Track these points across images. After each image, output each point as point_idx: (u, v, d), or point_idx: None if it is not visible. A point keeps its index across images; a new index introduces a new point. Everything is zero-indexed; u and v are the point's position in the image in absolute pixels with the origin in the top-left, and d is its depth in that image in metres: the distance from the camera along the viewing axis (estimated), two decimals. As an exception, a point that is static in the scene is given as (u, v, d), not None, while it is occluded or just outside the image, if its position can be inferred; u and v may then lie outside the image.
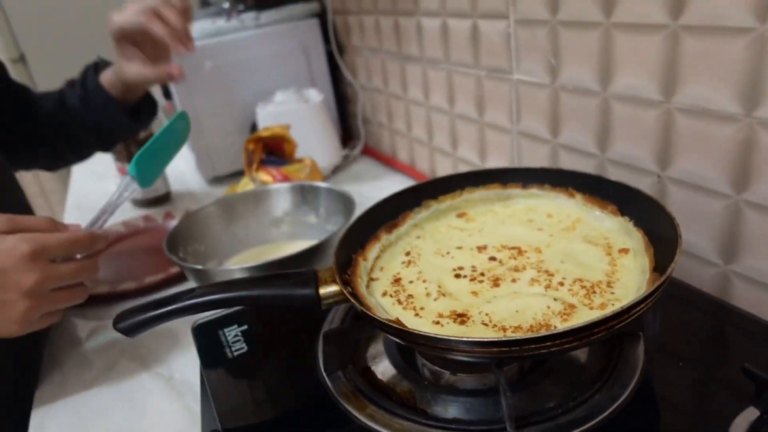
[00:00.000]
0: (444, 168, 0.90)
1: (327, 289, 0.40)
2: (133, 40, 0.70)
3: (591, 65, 0.56)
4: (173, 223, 0.92)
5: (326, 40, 1.13)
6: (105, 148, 0.86)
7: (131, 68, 0.71)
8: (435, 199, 0.54)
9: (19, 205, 0.69)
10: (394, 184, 0.99)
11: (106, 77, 0.75)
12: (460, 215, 0.54)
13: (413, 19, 0.84)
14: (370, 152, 1.13)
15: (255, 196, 0.75)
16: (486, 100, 0.75)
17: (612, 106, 0.56)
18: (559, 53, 0.60)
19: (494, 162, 0.77)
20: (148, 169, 0.57)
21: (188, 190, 1.11)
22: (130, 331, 0.40)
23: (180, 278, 0.74)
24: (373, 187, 0.98)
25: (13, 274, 0.45)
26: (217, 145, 1.08)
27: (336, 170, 1.07)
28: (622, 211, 0.46)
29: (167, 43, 0.66)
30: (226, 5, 1.17)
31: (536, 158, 0.69)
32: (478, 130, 0.78)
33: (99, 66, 0.78)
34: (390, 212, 0.52)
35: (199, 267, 0.60)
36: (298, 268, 0.43)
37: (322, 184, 0.72)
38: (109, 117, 0.76)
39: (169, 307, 0.40)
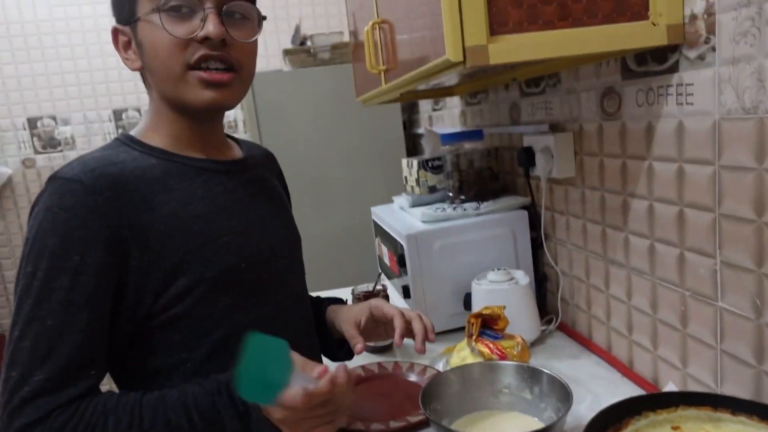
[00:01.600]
0: (643, 362, 1.01)
1: (578, 479, 0.56)
2: (373, 313, 0.97)
3: (795, 314, 0.68)
4: (403, 372, 1.14)
5: (532, 227, 1.34)
6: None
7: (347, 324, 0.95)
8: (653, 411, 0.67)
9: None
10: (590, 365, 1.11)
11: (331, 307, 1.02)
12: (675, 428, 0.66)
13: (621, 234, 1.02)
14: (565, 328, 1.27)
15: (489, 367, 0.94)
16: (689, 316, 0.87)
17: (817, 352, 0.66)
18: (764, 296, 0.73)
19: (695, 370, 0.87)
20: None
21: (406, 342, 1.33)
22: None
23: (418, 426, 0.93)
24: (569, 365, 1.11)
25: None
26: (434, 309, 1.31)
27: (534, 343, 1.23)
28: (830, 456, 0.56)
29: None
30: (450, 194, 1.47)
31: (739, 379, 0.79)
32: (680, 339, 0.90)
33: (335, 300, 1.05)
34: (615, 416, 0.66)
35: (453, 429, 0.78)
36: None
37: (546, 371, 0.89)
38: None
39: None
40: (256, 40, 0.78)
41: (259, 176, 0.89)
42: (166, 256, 0.70)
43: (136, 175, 0.72)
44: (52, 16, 2.67)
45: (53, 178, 0.68)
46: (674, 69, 0.83)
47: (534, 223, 1.34)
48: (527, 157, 1.24)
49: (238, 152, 0.90)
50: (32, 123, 2.73)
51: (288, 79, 2.21)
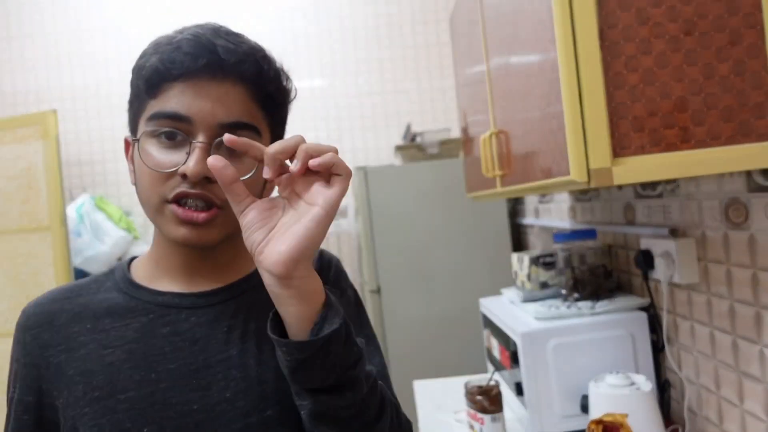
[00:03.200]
0: (788, 489, 0.94)
1: None
2: None
3: None
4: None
5: (651, 330, 1.31)
6: None
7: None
8: None
9: None
10: (726, 486, 1.04)
11: None
12: None
13: (756, 347, 0.98)
14: (693, 442, 1.20)
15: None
16: (842, 443, 0.81)
17: None
18: None
19: None
20: None
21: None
22: None
23: None
24: (702, 485, 1.05)
25: None
26: (548, 408, 1.30)
27: (660, 455, 1.17)
28: None
29: None
30: (563, 291, 1.48)
31: None
32: (833, 468, 0.84)
33: None
34: None
35: None
36: None
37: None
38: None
39: None
40: (259, 172, 0.63)
41: (259, 300, 0.69)
42: (72, 404, 0.65)
43: (76, 311, 0.69)
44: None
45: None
46: (806, 186, 0.83)
47: (653, 326, 1.31)
48: (646, 260, 1.24)
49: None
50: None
51: (399, 172, 2.36)
